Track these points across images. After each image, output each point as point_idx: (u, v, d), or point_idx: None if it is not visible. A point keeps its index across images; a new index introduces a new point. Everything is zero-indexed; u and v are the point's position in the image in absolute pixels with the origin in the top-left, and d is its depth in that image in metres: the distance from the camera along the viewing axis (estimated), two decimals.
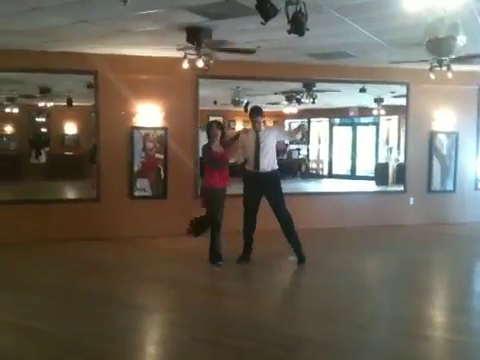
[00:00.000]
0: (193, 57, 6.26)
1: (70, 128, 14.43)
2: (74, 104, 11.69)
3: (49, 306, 4.74)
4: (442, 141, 9.01)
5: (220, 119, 16.52)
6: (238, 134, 6.45)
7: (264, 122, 6.40)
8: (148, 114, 7.67)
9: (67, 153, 13.98)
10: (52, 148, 14.31)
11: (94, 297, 4.94)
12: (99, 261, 6.40)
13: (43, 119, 14.56)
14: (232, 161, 6.23)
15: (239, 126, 16.62)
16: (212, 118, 15.96)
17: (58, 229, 7.32)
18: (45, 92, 10.96)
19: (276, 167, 6.13)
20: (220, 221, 6.00)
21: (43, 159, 14.08)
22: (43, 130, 14.83)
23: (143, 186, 7.76)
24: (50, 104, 12.40)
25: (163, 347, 3.98)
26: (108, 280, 5.56)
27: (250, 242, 6.12)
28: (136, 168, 7.72)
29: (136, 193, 7.76)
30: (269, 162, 6.04)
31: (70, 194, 10.83)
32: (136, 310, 4.64)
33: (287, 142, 12.57)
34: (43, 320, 4.33)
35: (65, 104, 11.60)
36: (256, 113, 6.19)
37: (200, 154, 7.32)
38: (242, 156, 6.21)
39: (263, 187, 6.02)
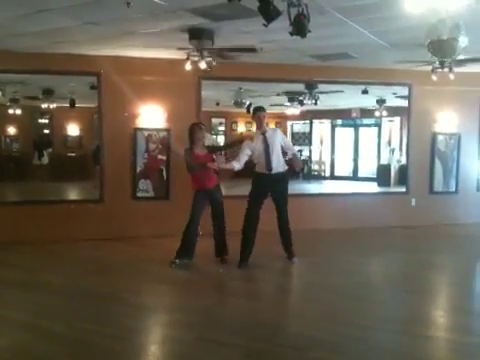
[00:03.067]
0: (196, 58, 6.29)
1: (73, 129, 14.45)
2: (77, 105, 11.73)
3: (56, 305, 4.77)
4: (444, 142, 9.02)
5: (222, 120, 16.62)
6: (240, 140, 6.35)
7: (267, 124, 6.35)
8: (151, 115, 7.71)
9: (70, 154, 14.00)
10: (55, 149, 14.34)
11: (100, 296, 4.98)
12: (104, 261, 6.44)
13: (46, 120, 14.59)
14: (233, 167, 5.99)
15: (241, 127, 16.66)
16: (215, 119, 16.06)
17: (61, 230, 7.35)
18: (48, 93, 11.01)
19: (286, 167, 6.13)
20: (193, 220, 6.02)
21: (46, 160, 14.11)
22: (46, 131, 14.87)
23: (146, 187, 7.79)
24: (53, 105, 12.42)
25: (169, 347, 3.99)
26: (114, 280, 5.59)
27: (248, 243, 6.01)
28: (139, 169, 7.75)
29: (139, 194, 7.79)
30: (279, 162, 6.01)
31: (73, 195, 10.86)
32: (142, 310, 4.67)
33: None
34: (51, 319, 4.37)
35: (68, 105, 11.65)
36: (260, 109, 6.14)
37: None
38: (242, 162, 6.02)
39: (274, 188, 6.01)
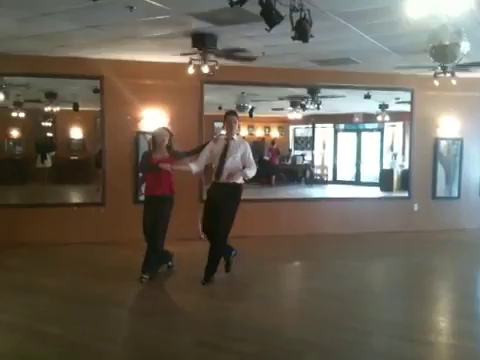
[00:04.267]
0: (198, 62, 6.31)
1: (76, 133, 14.50)
2: (80, 109, 11.76)
3: (55, 308, 4.78)
4: (447, 147, 9.01)
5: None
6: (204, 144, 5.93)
7: (239, 127, 5.75)
8: (153, 119, 7.72)
9: (73, 157, 14.05)
10: (58, 152, 14.37)
11: (98, 300, 4.98)
12: (104, 264, 6.45)
13: (49, 124, 14.63)
14: (190, 168, 5.62)
15: (243, 132, 16.67)
16: (217, 123, 16.05)
17: (63, 233, 7.36)
18: (51, 97, 11.05)
19: (241, 181, 5.56)
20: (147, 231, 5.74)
21: (49, 163, 14.14)
22: (49, 134, 14.91)
23: None
24: (56, 109, 12.46)
25: (165, 350, 3.98)
26: (112, 283, 5.59)
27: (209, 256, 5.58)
28: (141, 173, 7.75)
29: (141, 197, 7.78)
30: (232, 173, 5.43)
31: (75, 198, 10.89)
32: (140, 313, 4.68)
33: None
34: (49, 322, 4.37)
35: (71, 109, 11.69)
36: (232, 113, 5.71)
37: None
38: (201, 164, 5.68)
39: (220, 198, 5.45)
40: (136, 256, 6.87)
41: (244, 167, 5.51)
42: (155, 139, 5.78)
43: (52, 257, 6.78)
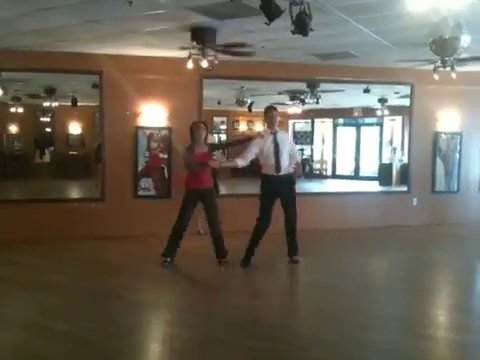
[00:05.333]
0: (197, 57, 6.29)
1: (75, 128, 14.50)
2: (79, 104, 11.75)
3: (58, 304, 4.77)
4: (446, 142, 9.01)
5: (224, 119, 16.62)
6: (242, 139, 6.30)
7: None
8: (152, 114, 7.71)
9: (72, 153, 14.06)
10: (57, 148, 14.37)
11: (101, 295, 4.98)
12: (106, 260, 6.44)
13: (48, 119, 14.63)
14: (236, 164, 5.96)
15: (243, 126, 16.66)
16: (216, 118, 16.04)
17: (62, 228, 7.34)
18: (50, 92, 11.04)
19: (292, 170, 6.06)
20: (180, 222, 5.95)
21: (47, 159, 14.15)
22: (48, 130, 14.90)
23: (147, 186, 7.79)
24: (55, 104, 12.45)
25: (170, 345, 3.98)
26: (115, 278, 5.59)
27: (256, 244, 6.03)
28: (140, 167, 7.75)
29: (140, 192, 7.79)
30: (287, 164, 5.95)
31: (75, 193, 10.88)
32: (143, 308, 4.67)
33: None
34: (53, 318, 4.36)
35: (70, 104, 11.67)
36: (273, 109, 6.10)
37: None
38: (248, 160, 5.96)
39: (282, 189, 5.95)
40: (137, 250, 6.91)
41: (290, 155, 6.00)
42: (194, 133, 5.95)
43: (53, 253, 6.77)
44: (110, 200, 7.66)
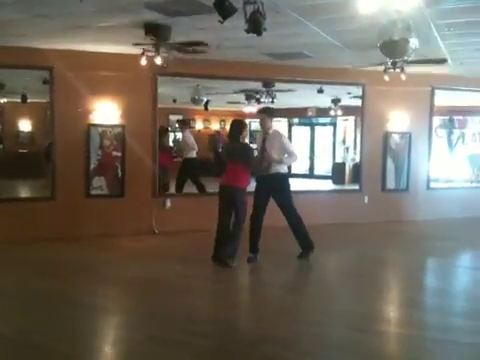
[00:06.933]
0: (151, 54, 6.22)
1: (25, 125, 14.06)
2: (29, 100, 11.41)
3: (4, 308, 4.62)
4: (396, 141, 9.25)
5: (180, 117, 16.47)
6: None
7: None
8: (105, 111, 7.56)
9: (22, 151, 13.61)
10: (5, 145, 13.91)
11: (51, 298, 4.84)
12: (56, 261, 6.25)
13: None
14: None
15: (199, 125, 16.60)
16: (172, 116, 15.84)
17: (11, 229, 7.10)
18: None
19: (285, 169, 6.38)
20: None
21: None
22: None
23: (100, 184, 7.64)
24: (3, 100, 12.06)
25: (119, 347, 3.95)
26: (65, 281, 5.43)
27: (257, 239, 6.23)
28: (92, 166, 7.59)
29: (93, 192, 7.63)
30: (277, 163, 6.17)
31: (24, 193, 10.55)
32: (94, 311, 4.57)
33: None
34: (2, 323, 4.24)
35: (19, 100, 11.31)
36: (264, 111, 6.32)
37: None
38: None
39: (273, 188, 6.17)
40: (89, 252, 6.75)
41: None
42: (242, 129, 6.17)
43: (2, 254, 6.52)
44: (61, 200, 7.46)
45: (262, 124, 6.25)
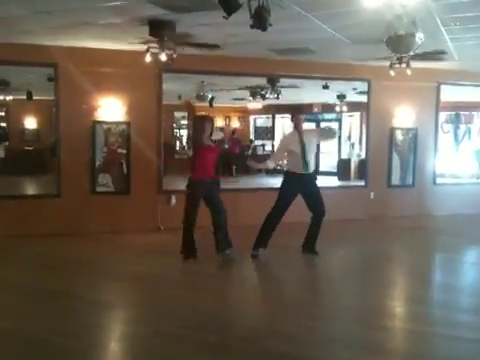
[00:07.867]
0: (156, 50, 6.21)
1: (30, 122, 14.10)
2: (34, 98, 11.43)
3: (12, 303, 4.64)
4: (402, 137, 9.21)
5: (185, 114, 16.46)
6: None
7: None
8: (110, 108, 7.56)
9: (27, 148, 13.66)
10: (11, 143, 13.96)
11: (57, 294, 4.85)
12: (62, 257, 6.28)
13: (2, 113, 14.19)
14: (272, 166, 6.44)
15: None
16: (177, 113, 15.86)
17: (17, 225, 7.15)
18: (3, 85, 10.67)
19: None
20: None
21: (2, 154, 13.71)
22: (2, 124, 14.45)
23: (105, 181, 7.65)
24: (9, 98, 12.08)
25: (124, 343, 3.95)
26: (70, 276, 5.46)
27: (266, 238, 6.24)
28: (98, 163, 7.60)
29: (98, 188, 7.64)
30: (313, 162, 6.33)
31: (30, 190, 10.59)
32: (99, 306, 4.58)
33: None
34: (5, 318, 4.25)
35: (25, 98, 11.33)
36: (297, 112, 6.45)
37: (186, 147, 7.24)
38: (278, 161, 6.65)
39: (306, 187, 6.21)
40: (94, 248, 6.78)
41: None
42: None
43: (7, 250, 6.56)
44: (67, 196, 7.48)
45: (298, 124, 6.27)
